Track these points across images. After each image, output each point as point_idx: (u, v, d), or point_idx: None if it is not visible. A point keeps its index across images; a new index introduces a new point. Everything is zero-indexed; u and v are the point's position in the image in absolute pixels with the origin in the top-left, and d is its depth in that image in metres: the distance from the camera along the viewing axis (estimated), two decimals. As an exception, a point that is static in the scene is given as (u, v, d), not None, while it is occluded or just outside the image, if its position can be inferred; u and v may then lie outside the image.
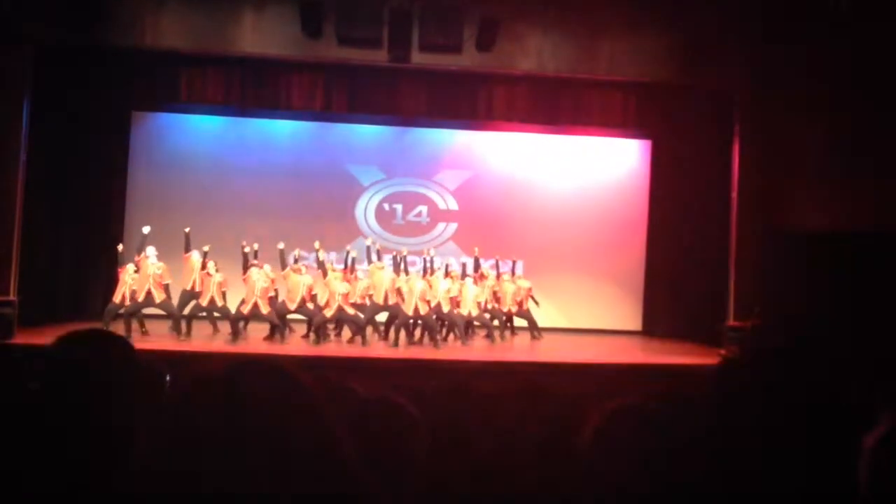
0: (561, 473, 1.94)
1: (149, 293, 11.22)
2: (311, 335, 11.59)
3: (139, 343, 9.72)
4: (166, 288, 11.42)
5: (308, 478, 1.20)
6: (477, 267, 13.23)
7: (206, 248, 11.75)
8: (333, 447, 1.27)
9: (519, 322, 13.42)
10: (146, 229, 11.59)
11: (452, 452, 2.45)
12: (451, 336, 12.38)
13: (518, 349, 12.58)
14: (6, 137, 11.39)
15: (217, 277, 11.57)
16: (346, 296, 11.47)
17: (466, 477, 2.38)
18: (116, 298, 11.24)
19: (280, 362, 1.31)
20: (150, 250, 11.42)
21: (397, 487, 1.96)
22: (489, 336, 12.75)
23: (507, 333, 13.18)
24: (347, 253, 12.34)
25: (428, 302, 11.76)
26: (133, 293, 11.18)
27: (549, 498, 2.08)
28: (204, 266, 11.62)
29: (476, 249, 13.60)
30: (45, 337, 10.10)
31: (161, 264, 11.40)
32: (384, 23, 11.77)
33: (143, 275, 11.25)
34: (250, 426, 1.20)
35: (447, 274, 12.48)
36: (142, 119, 14.56)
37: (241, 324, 11.71)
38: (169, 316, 11.59)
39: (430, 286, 11.98)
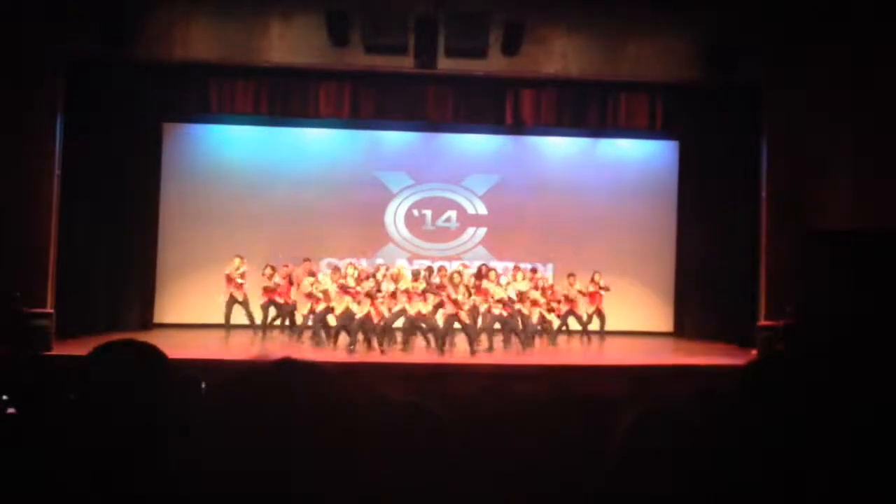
0: (594, 475, 1.95)
1: None
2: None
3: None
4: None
5: (338, 475, 1.23)
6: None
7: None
8: (360, 447, 1.30)
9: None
10: None
11: (484, 456, 2.46)
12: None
13: (549, 352, 12.54)
14: (41, 151, 11.58)
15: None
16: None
17: (499, 479, 2.39)
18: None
19: (320, 365, 1.35)
20: None
21: (428, 490, 1.98)
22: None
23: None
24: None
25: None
26: None
27: (582, 499, 2.09)
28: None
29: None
30: (82, 348, 10.25)
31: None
32: (410, 29, 11.82)
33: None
34: (290, 424, 1.24)
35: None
36: (173, 130, 14.72)
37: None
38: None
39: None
